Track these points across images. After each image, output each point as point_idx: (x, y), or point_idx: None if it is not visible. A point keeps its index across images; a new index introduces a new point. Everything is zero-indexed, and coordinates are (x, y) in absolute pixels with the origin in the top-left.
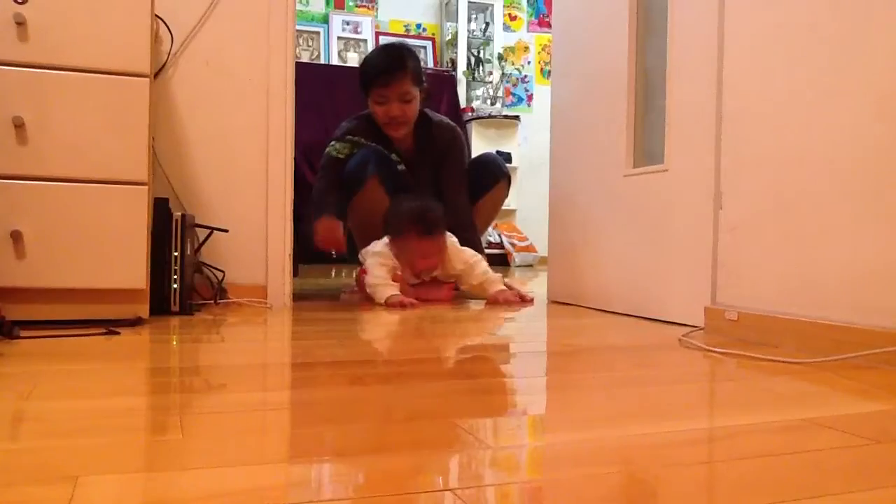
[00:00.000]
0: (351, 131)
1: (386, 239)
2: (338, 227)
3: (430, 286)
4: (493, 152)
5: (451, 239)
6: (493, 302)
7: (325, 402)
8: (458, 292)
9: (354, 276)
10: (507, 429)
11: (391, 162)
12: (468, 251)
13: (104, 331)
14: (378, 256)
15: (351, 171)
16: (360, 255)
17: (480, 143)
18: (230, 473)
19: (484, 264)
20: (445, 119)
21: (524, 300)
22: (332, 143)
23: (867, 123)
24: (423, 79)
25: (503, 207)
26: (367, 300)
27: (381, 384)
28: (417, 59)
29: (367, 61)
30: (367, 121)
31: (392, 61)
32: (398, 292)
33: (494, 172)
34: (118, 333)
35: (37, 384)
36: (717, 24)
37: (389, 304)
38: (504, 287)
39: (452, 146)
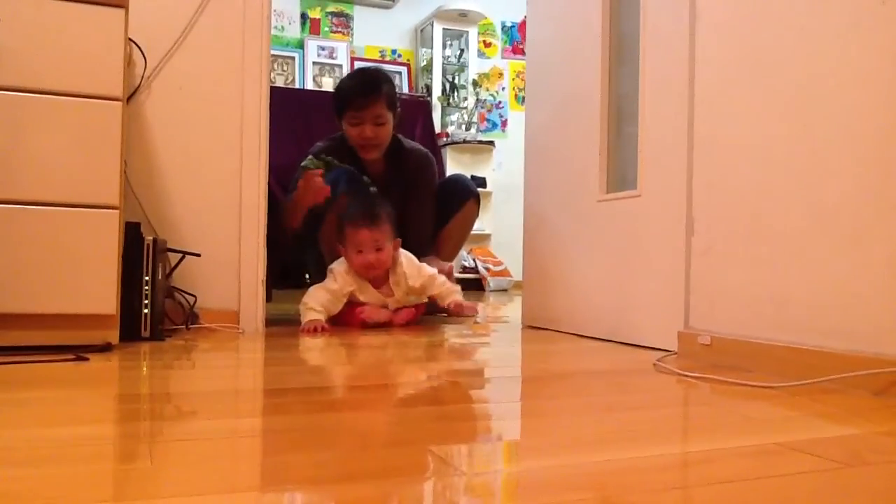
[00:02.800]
0: (325, 151)
1: (342, 260)
2: (315, 174)
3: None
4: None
5: (408, 255)
6: (451, 311)
7: (298, 429)
8: (422, 316)
9: None
10: (481, 455)
11: (363, 182)
12: (426, 266)
13: (73, 357)
14: (329, 277)
15: None
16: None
17: (455, 168)
18: (200, 502)
19: (442, 277)
20: (418, 146)
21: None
22: (308, 157)
23: (837, 149)
24: (397, 103)
25: (477, 232)
26: (343, 322)
27: (354, 411)
28: (392, 84)
29: (343, 84)
30: (340, 142)
31: (367, 84)
32: (321, 318)
33: (463, 192)
34: (87, 359)
35: (1, 411)
36: (687, 52)
37: (302, 330)
38: (460, 298)
39: (423, 171)
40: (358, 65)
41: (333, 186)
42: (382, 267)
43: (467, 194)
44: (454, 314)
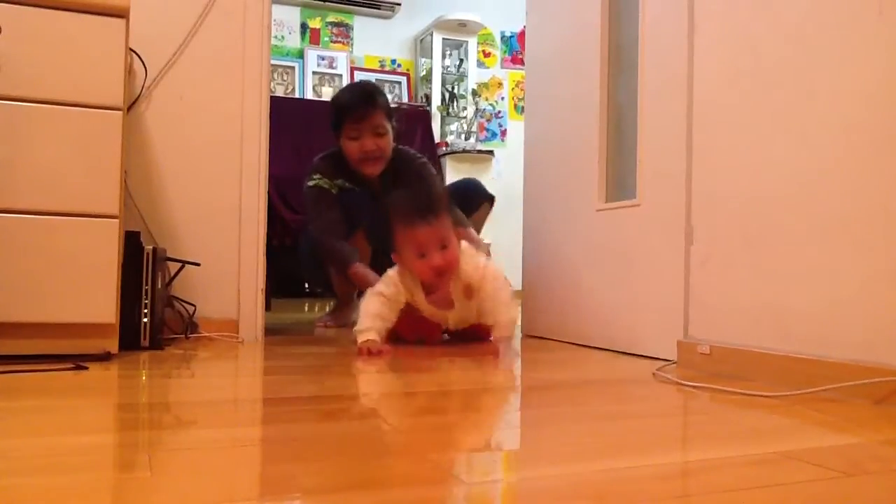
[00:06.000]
0: (327, 167)
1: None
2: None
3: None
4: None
5: (463, 244)
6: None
7: (297, 439)
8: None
9: (328, 308)
10: (481, 464)
11: (381, 206)
12: (484, 260)
13: (72, 366)
14: (381, 284)
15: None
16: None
17: (455, 178)
18: None
19: (505, 288)
20: (417, 153)
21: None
22: (318, 177)
23: (835, 159)
24: (394, 116)
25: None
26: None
27: (354, 420)
28: (386, 96)
29: (338, 99)
30: (335, 158)
31: (363, 96)
32: (376, 337)
33: (476, 195)
34: (86, 368)
35: (1, 421)
36: (686, 61)
37: (358, 352)
38: (509, 332)
39: (422, 171)
40: (358, 74)
41: (349, 209)
42: (453, 268)
43: (484, 197)
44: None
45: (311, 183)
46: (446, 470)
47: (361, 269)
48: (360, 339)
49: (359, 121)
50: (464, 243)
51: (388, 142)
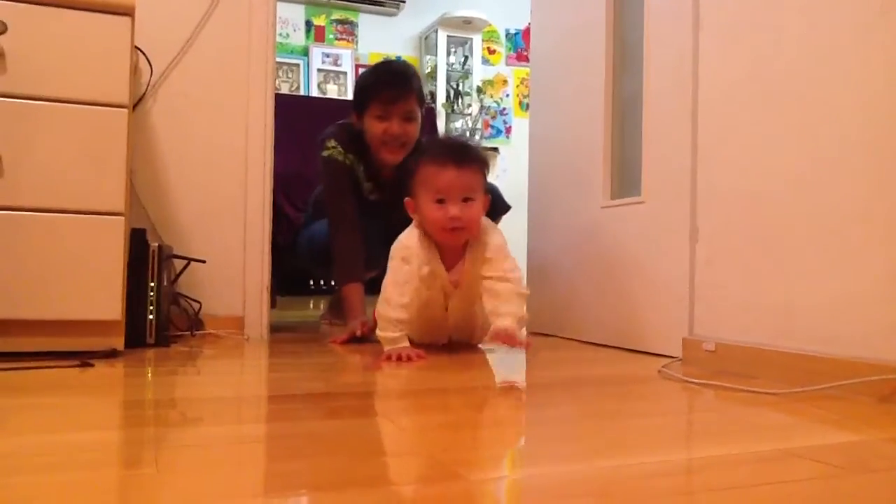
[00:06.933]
0: (336, 136)
1: (410, 230)
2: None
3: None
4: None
5: (491, 223)
6: (494, 337)
7: (302, 436)
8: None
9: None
10: (485, 461)
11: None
12: (504, 247)
13: (78, 363)
14: (394, 262)
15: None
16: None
17: None
18: None
19: (520, 284)
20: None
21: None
22: (329, 144)
23: (841, 156)
24: (425, 101)
25: None
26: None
27: (358, 417)
28: (420, 79)
29: (368, 76)
30: (353, 133)
31: (398, 76)
32: (407, 342)
33: (500, 205)
34: (92, 366)
35: (7, 418)
36: (691, 59)
37: (386, 359)
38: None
39: None
40: (362, 72)
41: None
42: (471, 229)
43: (502, 206)
44: (494, 338)
45: (325, 153)
46: (450, 467)
47: (354, 295)
48: (385, 344)
49: (390, 102)
50: (490, 222)
51: (416, 129)
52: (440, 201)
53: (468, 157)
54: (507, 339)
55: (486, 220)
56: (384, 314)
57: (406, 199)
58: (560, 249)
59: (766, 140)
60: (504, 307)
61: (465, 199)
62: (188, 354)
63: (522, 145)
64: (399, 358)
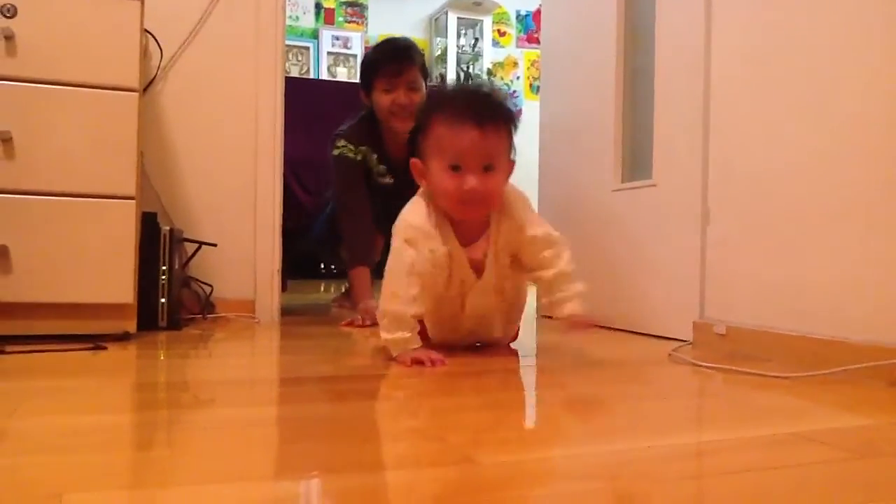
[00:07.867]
0: (354, 133)
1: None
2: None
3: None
4: None
5: (520, 194)
6: (566, 323)
7: (314, 418)
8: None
9: (344, 288)
10: (496, 444)
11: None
12: (544, 226)
13: (91, 346)
14: (396, 241)
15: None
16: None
17: None
18: (217, 489)
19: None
20: None
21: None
22: (339, 143)
23: (852, 139)
24: (428, 74)
25: None
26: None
27: (370, 400)
28: (421, 53)
29: (372, 54)
30: (362, 122)
31: (399, 51)
32: (418, 342)
33: None
34: (105, 348)
35: (22, 400)
36: (703, 40)
37: (401, 361)
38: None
39: None
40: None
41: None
42: (491, 201)
43: None
44: (569, 328)
45: (335, 152)
46: (461, 451)
47: (361, 278)
48: (395, 348)
49: (394, 75)
50: (512, 185)
51: (421, 98)
52: (455, 168)
53: (493, 114)
54: (584, 325)
55: (512, 191)
56: (392, 311)
57: (412, 158)
58: (570, 233)
59: (778, 123)
60: (563, 290)
61: (486, 168)
62: (200, 337)
63: (533, 128)
64: (418, 362)
